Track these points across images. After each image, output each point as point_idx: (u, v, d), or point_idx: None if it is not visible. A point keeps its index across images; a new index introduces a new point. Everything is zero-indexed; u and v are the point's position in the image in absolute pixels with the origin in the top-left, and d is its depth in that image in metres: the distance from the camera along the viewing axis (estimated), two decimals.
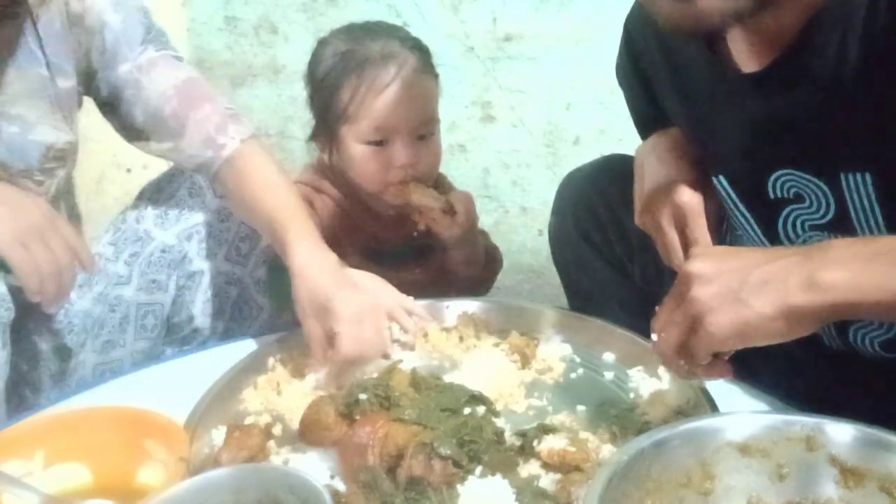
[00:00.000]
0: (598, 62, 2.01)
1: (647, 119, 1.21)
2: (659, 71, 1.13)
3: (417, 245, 1.45)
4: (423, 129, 1.37)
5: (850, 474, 0.73)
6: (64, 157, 1.25)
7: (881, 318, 0.79)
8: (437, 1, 2.17)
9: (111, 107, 1.30)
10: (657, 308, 0.87)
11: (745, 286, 0.77)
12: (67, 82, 1.23)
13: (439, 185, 1.49)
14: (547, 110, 2.16)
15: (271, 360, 1.11)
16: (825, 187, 0.93)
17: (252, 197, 1.25)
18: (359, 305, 1.06)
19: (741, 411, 0.80)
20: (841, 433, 0.73)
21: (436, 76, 1.41)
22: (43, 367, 1.33)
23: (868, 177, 0.89)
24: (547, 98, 2.15)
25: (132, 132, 1.31)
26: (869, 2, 0.83)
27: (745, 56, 0.95)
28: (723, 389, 0.99)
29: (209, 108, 1.30)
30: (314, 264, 1.11)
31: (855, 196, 0.91)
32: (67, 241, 1.12)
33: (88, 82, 1.28)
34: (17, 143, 1.18)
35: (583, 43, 2.07)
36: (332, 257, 1.14)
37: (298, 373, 1.09)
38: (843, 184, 0.91)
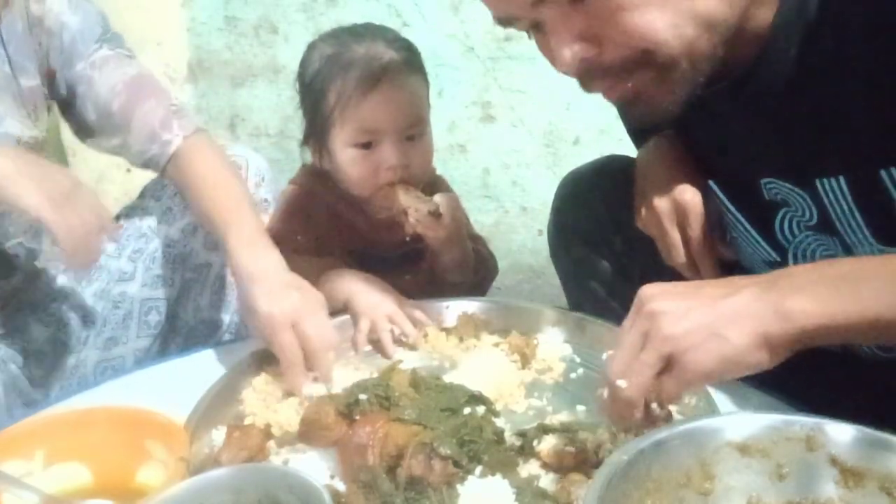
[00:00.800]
0: None
1: (640, 128, 1.21)
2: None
3: (409, 250, 1.45)
4: (411, 130, 1.35)
5: (850, 474, 0.72)
6: (32, 150, 1.25)
7: (855, 341, 0.80)
8: (437, 1, 2.17)
9: (68, 106, 1.33)
10: (608, 354, 0.84)
11: (718, 320, 0.76)
12: (31, 81, 1.26)
13: (435, 186, 1.49)
14: (547, 110, 2.16)
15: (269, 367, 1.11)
16: (805, 195, 0.94)
17: (194, 194, 1.24)
18: (282, 310, 1.04)
19: (741, 411, 0.80)
20: (841, 433, 0.73)
21: (425, 77, 1.40)
22: (40, 361, 1.33)
23: (843, 181, 0.89)
24: (547, 98, 2.15)
25: (85, 130, 1.33)
26: (819, 15, 0.83)
27: (717, 70, 0.95)
28: (723, 390, 0.99)
29: (154, 102, 1.31)
30: (255, 272, 1.10)
31: (833, 201, 0.91)
32: (93, 205, 1.12)
33: (50, 83, 1.30)
34: None
35: None
36: (271, 258, 1.12)
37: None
38: (820, 190, 0.92)
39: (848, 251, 0.95)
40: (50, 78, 1.30)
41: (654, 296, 0.80)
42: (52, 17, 1.28)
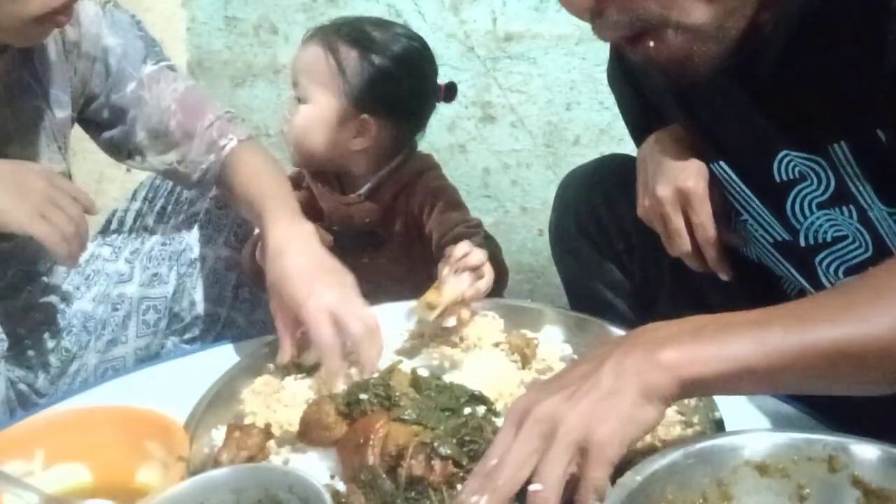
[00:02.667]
0: (598, 62, 2.02)
1: (641, 123, 1.21)
2: (647, 73, 1.14)
3: (368, 234, 1.48)
4: (295, 91, 1.44)
5: (874, 497, 0.69)
6: None
7: (730, 392, 0.77)
8: (437, 1, 2.17)
9: (106, 128, 1.29)
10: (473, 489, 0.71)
11: (603, 390, 0.72)
12: (64, 112, 1.22)
13: (422, 164, 1.52)
14: (547, 110, 2.16)
15: (271, 366, 1.11)
16: (823, 162, 0.94)
17: (240, 188, 1.25)
18: (320, 302, 1.03)
19: (759, 429, 0.76)
20: (865, 453, 0.70)
21: (371, 63, 1.42)
22: (47, 372, 1.33)
23: (846, 145, 0.90)
24: (547, 98, 2.15)
25: (126, 151, 1.31)
26: None
27: None
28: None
29: (211, 115, 1.31)
30: (286, 247, 1.09)
31: (845, 166, 0.92)
32: (69, 192, 1.11)
33: (85, 108, 1.27)
34: None
35: (583, 43, 2.06)
36: (304, 231, 1.12)
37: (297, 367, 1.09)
38: (833, 156, 0.92)
39: (864, 221, 0.95)
40: (87, 103, 1.26)
41: (532, 401, 0.74)
42: (90, 40, 1.22)
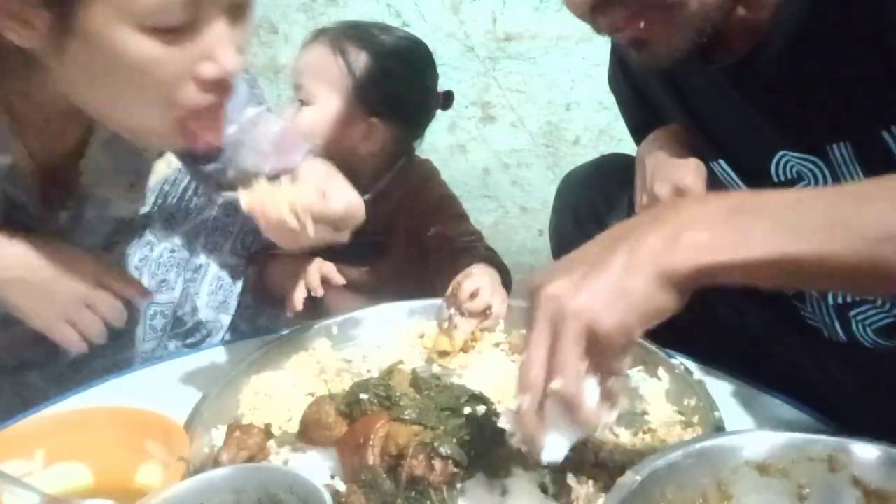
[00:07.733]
0: (598, 62, 2.02)
1: (642, 124, 1.22)
2: (648, 73, 1.14)
3: (369, 242, 1.47)
4: (297, 94, 1.45)
5: (874, 497, 0.69)
6: (132, 226, 1.26)
7: (755, 281, 0.71)
8: (437, 1, 2.17)
9: (197, 162, 1.28)
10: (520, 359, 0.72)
11: (614, 274, 0.67)
12: (153, 152, 1.21)
13: (422, 168, 1.51)
14: (547, 110, 2.17)
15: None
16: (820, 162, 0.94)
17: None
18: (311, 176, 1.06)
19: (759, 429, 0.75)
20: (865, 453, 0.70)
21: (381, 66, 1.42)
22: (63, 383, 1.32)
23: (849, 146, 0.89)
24: (547, 98, 2.15)
25: (217, 184, 1.29)
26: None
27: (721, 48, 0.96)
28: (726, 390, 0.98)
29: (298, 156, 1.30)
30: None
31: (844, 169, 0.91)
32: (114, 288, 1.10)
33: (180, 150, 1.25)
34: (91, 223, 1.17)
35: (583, 43, 2.07)
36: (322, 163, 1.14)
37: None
38: (832, 157, 0.92)
39: None
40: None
41: (544, 281, 0.70)
42: None
